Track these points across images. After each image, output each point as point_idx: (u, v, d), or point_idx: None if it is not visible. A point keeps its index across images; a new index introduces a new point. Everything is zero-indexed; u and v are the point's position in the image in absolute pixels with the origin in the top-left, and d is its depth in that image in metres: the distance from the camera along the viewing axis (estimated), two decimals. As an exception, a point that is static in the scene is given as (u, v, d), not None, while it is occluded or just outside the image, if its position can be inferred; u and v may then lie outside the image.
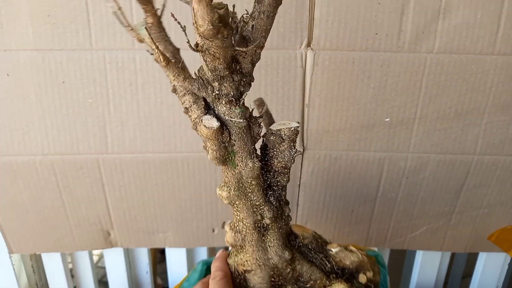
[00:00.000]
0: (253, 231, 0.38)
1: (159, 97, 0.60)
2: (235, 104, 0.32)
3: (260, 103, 0.43)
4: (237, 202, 0.38)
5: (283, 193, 0.39)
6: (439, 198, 0.70)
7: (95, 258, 1.26)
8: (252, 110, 0.35)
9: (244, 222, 0.38)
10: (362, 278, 0.41)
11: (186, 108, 0.34)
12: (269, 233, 0.39)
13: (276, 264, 0.39)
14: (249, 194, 0.37)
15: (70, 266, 0.85)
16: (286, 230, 0.40)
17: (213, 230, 0.72)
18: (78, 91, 0.59)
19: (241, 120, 0.33)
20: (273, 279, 0.39)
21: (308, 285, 0.40)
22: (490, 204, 0.70)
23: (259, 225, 0.38)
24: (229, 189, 0.37)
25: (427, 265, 0.81)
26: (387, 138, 0.64)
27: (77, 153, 0.62)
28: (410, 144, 0.65)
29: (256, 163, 0.35)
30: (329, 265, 0.41)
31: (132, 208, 0.68)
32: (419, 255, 0.81)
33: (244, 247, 0.39)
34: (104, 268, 0.83)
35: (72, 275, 0.86)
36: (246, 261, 0.39)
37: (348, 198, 0.70)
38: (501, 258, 0.80)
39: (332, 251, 0.42)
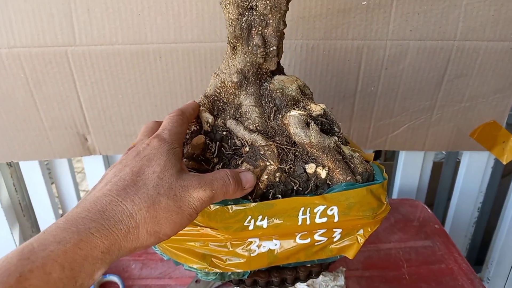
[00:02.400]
0: (228, 44, 0.39)
1: (126, -19, 0.58)
2: None
3: None
4: (223, 12, 0.39)
5: (259, 21, 0.38)
6: (420, 91, 0.69)
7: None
8: None
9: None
10: (310, 168, 0.37)
11: None
12: (236, 53, 0.39)
13: (224, 79, 0.40)
14: (228, 6, 0.38)
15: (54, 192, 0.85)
16: (255, 62, 0.39)
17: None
18: (40, -23, 0.57)
19: None
20: (218, 90, 0.41)
21: (238, 115, 0.40)
22: (471, 96, 0.69)
23: (231, 40, 0.39)
24: None
25: (409, 170, 0.81)
26: (364, 24, 0.62)
27: (44, 45, 0.60)
28: (389, 30, 0.63)
29: None
30: (272, 121, 0.39)
31: (107, 108, 0.67)
32: (401, 159, 0.80)
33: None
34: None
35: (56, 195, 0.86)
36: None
37: (327, 94, 0.69)
38: (484, 159, 0.80)
39: (289, 112, 0.38)
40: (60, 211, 0.88)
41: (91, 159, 0.76)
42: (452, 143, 0.75)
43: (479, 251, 1.10)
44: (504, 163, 0.76)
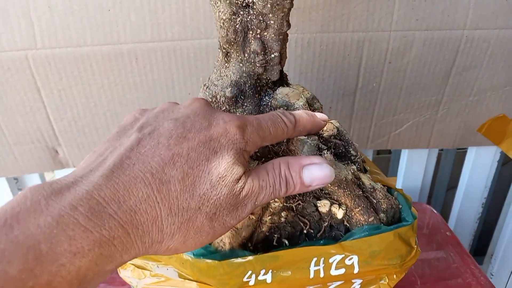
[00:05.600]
0: (219, 50, 0.33)
1: (92, -27, 0.50)
2: None
3: None
4: (212, 11, 0.32)
5: (258, 22, 0.31)
6: (426, 86, 0.63)
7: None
8: None
9: None
10: (323, 206, 0.30)
11: None
12: (230, 61, 0.33)
13: (216, 93, 0.33)
14: (218, 3, 0.31)
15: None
16: (253, 72, 0.32)
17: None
18: (-11, -31, 0.48)
19: None
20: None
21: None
22: (480, 90, 0.64)
23: (223, 45, 0.32)
24: None
25: (412, 168, 0.76)
26: (366, 14, 0.56)
27: (1, 49, 0.52)
28: (393, 20, 0.56)
29: None
30: (276, 146, 0.33)
31: (78, 118, 0.59)
32: (404, 158, 0.75)
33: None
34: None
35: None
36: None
37: (325, 92, 0.62)
38: (491, 154, 0.75)
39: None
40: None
41: (64, 172, 0.68)
42: (459, 139, 0.70)
43: (478, 242, 1.07)
44: (513, 158, 0.72)
